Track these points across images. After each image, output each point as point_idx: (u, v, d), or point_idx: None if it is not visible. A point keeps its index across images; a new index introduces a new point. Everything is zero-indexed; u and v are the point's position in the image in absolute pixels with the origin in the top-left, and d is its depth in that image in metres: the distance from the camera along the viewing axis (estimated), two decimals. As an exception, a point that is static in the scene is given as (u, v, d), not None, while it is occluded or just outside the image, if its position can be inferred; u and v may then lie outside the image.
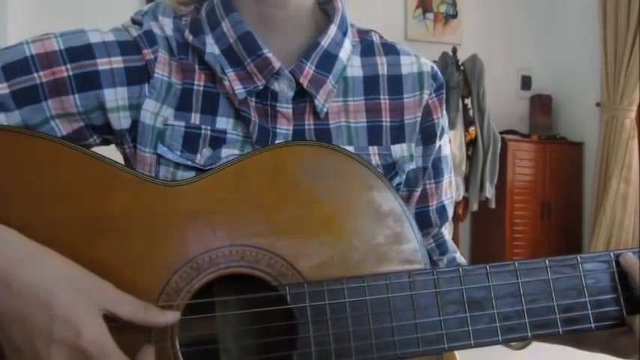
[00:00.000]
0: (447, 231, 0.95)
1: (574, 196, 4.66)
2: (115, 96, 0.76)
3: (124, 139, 0.79)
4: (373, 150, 0.83)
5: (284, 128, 0.79)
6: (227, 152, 0.77)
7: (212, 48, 0.79)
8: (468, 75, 4.16)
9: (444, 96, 0.89)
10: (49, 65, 0.74)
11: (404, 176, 0.85)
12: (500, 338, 0.70)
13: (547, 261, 0.72)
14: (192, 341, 0.68)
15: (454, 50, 4.20)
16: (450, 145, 0.94)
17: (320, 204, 0.70)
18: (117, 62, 0.76)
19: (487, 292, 0.70)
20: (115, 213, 0.67)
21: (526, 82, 4.97)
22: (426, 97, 0.87)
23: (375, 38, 0.89)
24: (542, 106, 4.83)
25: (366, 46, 0.87)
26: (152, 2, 0.83)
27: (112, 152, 0.77)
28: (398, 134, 0.85)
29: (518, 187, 4.40)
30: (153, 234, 0.67)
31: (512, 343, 0.77)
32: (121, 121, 0.77)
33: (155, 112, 0.77)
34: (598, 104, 4.55)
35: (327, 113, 0.81)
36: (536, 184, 4.46)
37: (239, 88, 0.78)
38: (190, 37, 0.79)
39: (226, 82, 0.78)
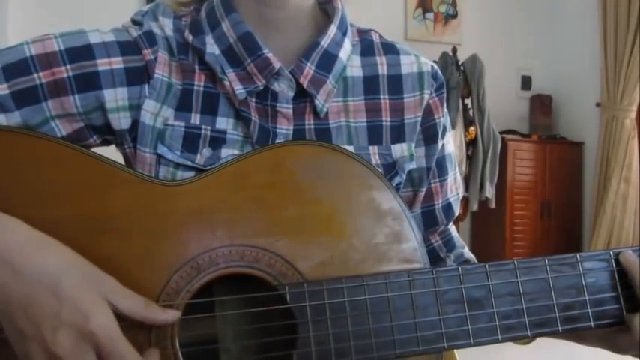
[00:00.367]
0: (453, 227, 0.95)
1: (574, 196, 4.66)
2: (115, 96, 0.76)
3: (124, 139, 0.79)
4: (373, 150, 0.83)
5: (284, 128, 0.79)
6: (227, 152, 0.77)
7: (212, 48, 0.79)
8: (468, 75, 4.16)
9: (445, 95, 0.89)
10: (49, 66, 0.74)
11: (404, 176, 0.85)
12: (499, 337, 0.70)
13: (546, 260, 0.72)
14: (192, 341, 0.68)
15: (454, 50, 4.20)
16: (452, 145, 0.94)
17: (320, 203, 0.70)
18: (117, 63, 0.77)
19: (487, 291, 0.70)
20: (115, 213, 0.67)
21: (526, 82, 4.97)
22: (426, 96, 0.87)
23: (375, 38, 0.89)
24: (542, 106, 4.83)
25: (366, 46, 0.87)
26: (152, 2, 0.83)
27: (112, 152, 0.77)
28: (398, 134, 0.85)
29: (518, 187, 4.40)
30: (153, 234, 0.67)
31: None
32: (121, 121, 0.77)
33: (155, 112, 0.77)
34: (598, 104, 4.54)
35: (327, 113, 0.81)
36: (536, 184, 4.46)
37: (239, 89, 0.78)
38: (190, 38, 0.79)
39: (226, 83, 0.78)
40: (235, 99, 0.78)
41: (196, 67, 0.80)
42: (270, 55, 0.78)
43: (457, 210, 0.93)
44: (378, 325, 0.67)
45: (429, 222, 0.91)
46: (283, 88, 0.79)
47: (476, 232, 4.64)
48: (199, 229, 0.68)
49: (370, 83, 0.85)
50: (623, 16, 4.31)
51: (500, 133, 4.32)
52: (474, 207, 4.09)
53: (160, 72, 0.78)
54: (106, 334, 0.59)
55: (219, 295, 0.69)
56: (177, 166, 0.76)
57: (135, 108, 0.77)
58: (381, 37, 0.90)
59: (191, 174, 0.75)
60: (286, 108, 0.79)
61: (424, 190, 0.89)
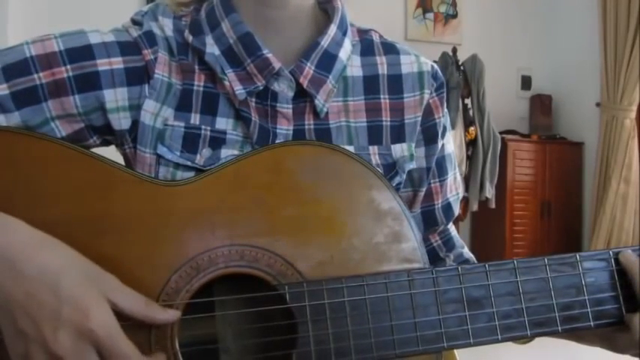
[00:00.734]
0: (453, 227, 0.95)
1: (574, 196, 4.66)
2: (115, 96, 0.76)
3: (124, 139, 0.79)
4: (373, 150, 0.83)
5: (284, 128, 0.79)
6: (227, 153, 0.77)
7: (212, 48, 0.79)
8: (468, 75, 4.16)
9: (445, 95, 0.89)
10: (49, 66, 0.74)
11: (404, 176, 0.85)
12: (499, 337, 0.70)
13: (546, 259, 0.72)
14: (192, 341, 0.68)
15: (454, 50, 4.20)
16: (452, 145, 0.94)
17: (319, 203, 0.70)
18: (117, 63, 0.77)
19: (486, 291, 0.70)
20: (115, 213, 0.67)
21: (526, 82, 4.97)
22: (426, 96, 0.87)
23: (375, 38, 0.89)
24: (542, 106, 4.83)
25: (366, 46, 0.87)
26: (152, 3, 0.83)
27: (111, 153, 0.77)
28: (398, 134, 0.85)
29: (518, 187, 4.40)
30: (153, 234, 0.67)
31: None
32: (121, 121, 0.77)
33: (155, 112, 0.77)
34: (598, 104, 4.54)
35: (327, 113, 0.81)
36: (536, 184, 4.46)
37: (239, 89, 0.78)
38: (190, 38, 0.79)
39: (226, 83, 0.78)
40: (235, 99, 0.78)
41: (196, 67, 0.80)
42: (270, 55, 0.78)
43: (457, 210, 0.93)
44: (378, 324, 0.67)
45: (428, 222, 0.91)
46: (283, 89, 0.79)
47: (476, 232, 4.64)
48: (199, 229, 0.68)
49: (370, 83, 0.85)
50: (623, 16, 4.31)
51: (500, 133, 4.32)
52: (474, 207, 4.09)
53: (160, 72, 0.78)
54: (107, 332, 0.59)
55: (218, 295, 0.69)
56: (177, 166, 0.76)
57: (135, 108, 0.77)
58: (381, 36, 0.89)
59: (191, 174, 0.75)
60: (286, 108, 0.79)
61: (424, 189, 0.89)
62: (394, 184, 0.84)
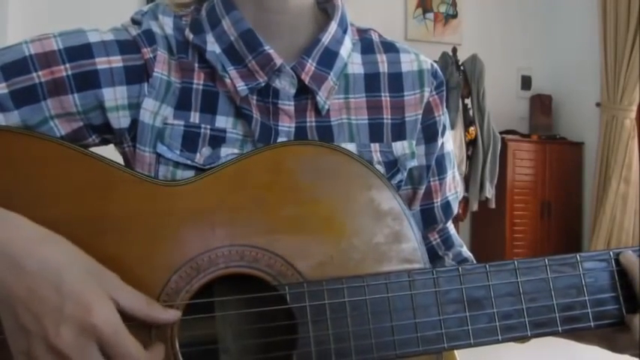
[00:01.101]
0: (452, 226, 0.96)
1: (574, 196, 4.66)
2: (114, 95, 0.76)
3: (123, 138, 0.79)
4: (375, 147, 0.83)
5: (286, 125, 0.79)
6: (226, 151, 0.77)
7: (213, 46, 0.79)
8: (468, 75, 4.16)
9: (445, 93, 0.90)
10: (48, 65, 0.74)
11: (405, 173, 0.86)
12: (499, 337, 0.70)
13: (546, 260, 0.72)
14: (192, 341, 0.68)
15: (454, 50, 4.20)
16: (452, 143, 0.95)
17: (320, 203, 0.70)
18: (116, 61, 0.76)
19: (487, 292, 0.70)
20: (115, 213, 0.67)
21: (526, 82, 4.97)
22: (426, 94, 0.87)
23: (375, 37, 0.89)
24: (542, 106, 4.83)
25: (366, 44, 0.87)
26: (152, 2, 0.83)
27: (111, 152, 0.77)
28: (399, 132, 0.85)
29: (518, 187, 4.40)
30: (152, 234, 0.67)
31: None
32: (120, 120, 0.77)
33: (154, 111, 0.77)
34: (598, 104, 4.54)
35: (328, 110, 0.81)
36: (536, 184, 4.46)
37: (241, 85, 0.77)
38: (191, 36, 0.79)
39: (227, 80, 0.78)
40: (237, 96, 0.78)
41: (196, 65, 0.79)
42: (271, 51, 0.78)
43: (456, 208, 0.94)
44: (378, 325, 0.67)
45: (427, 220, 0.91)
46: (285, 85, 0.79)
47: (476, 232, 4.64)
48: (199, 229, 0.67)
49: (371, 81, 0.85)
50: (623, 16, 4.31)
51: (500, 133, 4.32)
52: (474, 207, 4.09)
53: (159, 71, 0.78)
54: (109, 328, 0.59)
55: (219, 295, 0.69)
56: (176, 165, 0.76)
57: (134, 107, 0.77)
58: (380, 35, 0.90)
59: (191, 173, 0.75)
60: (288, 105, 0.79)
61: (423, 187, 0.89)
62: (395, 182, 0.84)
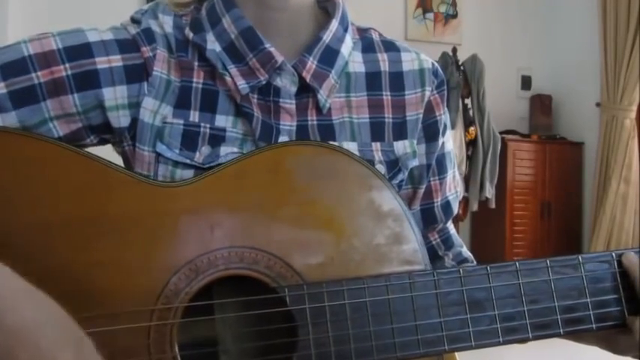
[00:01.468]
0: (452, 226, 0.95)
1: (574, 196, 4.66)
2: (114, 94, 0.76)
3: (123, 137, 0.78)
4: (376, 146, 0.83)
5: (287, 124, 0.79)
6: (226, 150, 0.77)
7: (213, 45, 0.79)
8: (468, 75, 4.16)
9: (446, 93, 0.89)
10: (47, 65, 0.74)
11: (407, 173, 0.85)
12: (501, 339, 0.69)
13: (548, 261, 0.72)
14: (192, 343, 0.68)
15: (454, 50, 4.20)
16: (452, 143, 0.95)
17: (320, 204, 0.70)
18: (116, 61, 0.76)
19: (488, 293, 0.70)
20: (114, 214, 0.66)
21: (526, 82, 4.97)
22: (427, 94, 0.87)
23: (375, 36, 0.89)
24: (542, 106, 4.83)
25: (367, 43, 0.87)
26: (152, 2, 0.83)
27: (110, 153, 0.76)
28: (400, 131, 0.85)
29: (518, 187, 4.40)
30: (152, 235, 0.66)
31: None
32: (120, 119, 0.77)
33: (154, 110, 0.77)
34: (598, 104, 4.55)
35: (329, 109, 0.81)
36: (536, 184, 4.47)
37: (242, 84, 0.77)
38: (191, 35, 0.79)
39: (228, 79, 0.77)
40: (237, 95, 0.77)
41: (195, 64, 0.79)
42: (272, 49, 0.78)
43: (456, 208, 0.93)
44: (379, 327, 0.67)
45: (427, 220, 0.91)
46: (286, 84, 0.79)
47: (476, 232, 4.64)
48: (198, 230, 0.67)
49: (372, 79, 0.85)
50: (623, 16, 4.31)
51: (500, 133, 4.32)
52: (474, 207, 4.09)
53: (159, 69, 0.77)
54: None
55: (218, 297, 0.69)
56: (176, 164, 0.76)
57: (134, 106, 0.77)
58: (380, 35, 0.90)
59: (190, 172, 0.75)
60: (289, 104, 0.79)
61: (423, 187, 0.89)
62: (397, 182, 0.84)
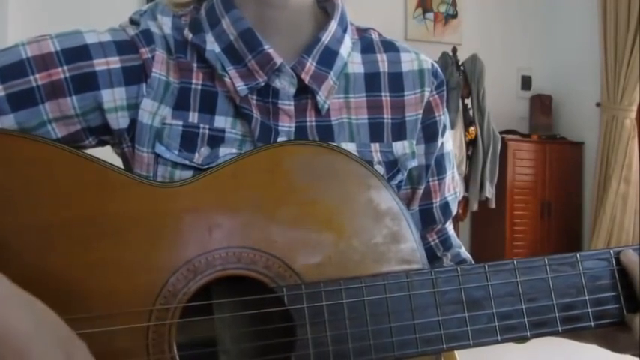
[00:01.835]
0: (451, 226, 0.95)
1: (574, 196, 4.66)
2: (112, 96, 0.76)
3: (122, 138, 0.78)
4: (375, 147, 0.83)
5: (286, 125, 0.79)
6: (225, 151, 0.76)
7: (212, 46, 0.79)
8: (468, 75, 4.16)
9: (445, 93, 0.89)
10: (46, 67, 0.74)
11: (406, 173, 0.85)
12: (499, 337, 0.69)
13: (546, 259, 0.72)
14: (190, 343, 0.68)
15: (454, 50, 4.20)
16: (451, 144, 0.94)
17: (318, 204, 0.70)
18: (114, 62, 0.76)
19: (486, 292, 0.70)
20: (112, 215, 0.66)
21: (526, 82, 4.97)
22: (427, 94, 0.86)
23: (374, 36, 0.89)
24: (542, 106, 4.83)
25: (366, 44, 0.87)
26: (152, 2, 0.83)
27: (108, 154, 0.76)
28: (399, 131, 0.85)
29: (518, 187, 4.40)
30: (150, 236, 0.66)
31: None
32: (119, 121, 0.77)
33: (153, 111, 0.77)
34: (598, 104, 4.55)
35: (328, 110, 0.81)
36: (536, 184, 4.47)
37: (240, 85, 0.77)
38: (190, 36, 0.79)
39: (227, 80, 0.77)
40: (236, 96, 0.78)
41: (194, 65, 0.79)
42: (271, 50, 0.77)
43: (455, 209, 0.93)
44: (377, 326, 0.67)
45: (426, 220, 0.91)
46: (284, 85, 0.79)
47: (476, 232, 4.64)
48: (196, 230, 0.67)
49: (371, 80, 0.85)
50: (623, 16, 4.31)
51: (500, 133, 4.32)
52: (474, 207, 4.09)
53: (158, 71, 0.77)
54: None
55: (217, 297, 0.69)
56: (175, 165, 0.76)
57: (133, 107, 0.77)
58: (380, 35, 0.89)
59: (189, 173, 0.75)
60: (288, 105, 0.79)
61: (422, 187, 0.89)
62: (396, 182, 0.84)
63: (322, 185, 0.70)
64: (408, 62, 0.87)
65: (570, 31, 4.88)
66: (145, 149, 0.76)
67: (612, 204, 4.32)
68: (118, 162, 0.76)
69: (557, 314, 0.71)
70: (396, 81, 0.86)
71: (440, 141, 0.89)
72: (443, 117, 0.89)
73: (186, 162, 0.76)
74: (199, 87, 0.79)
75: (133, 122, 0.77)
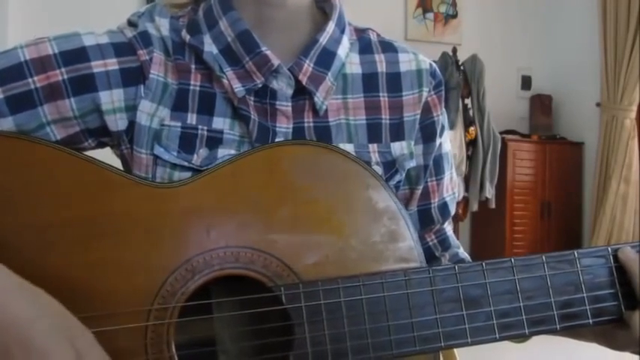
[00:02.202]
0: (449, 227, 0.95)
1: (574, 196, 4.66)
2: (110, 98, 0.76)
3: (120, 140, 0.78)
4: (373, 148, 0.83)
5: (284, 126, 0.79)
6: (224, 152, 0.77)
7: (210, 47, 0.79)
8: (468, 75, 4.16)
9: (443, 93, 0.89)
10: (44, 70, 0.74)
11: (404, 174, 0.85)
12: (497, 336, 0.69)
13: (544, 257, 0.72)
14: (189, 343, 0.68)
15: (454, 50, 4.20)
16: (450, 144, 0.94)
17: (315, 203, 0.70)
18: (112, 64, 0.76)
19: (484, 290, 0.70)
20: (111, 215, 0.67)
21: (526, 82, 4.97)
22: (425, 94, 0.86)
23: (373, 36, 0.89)
24: (542, 106, 4.83)
25: (364, 44, 0.87)
26: (150, 3, 0.83)
27: (107, 155, 0.76)
28: (397, 132, 0.85)
29: (518, 187, 4.40)
30: (148, 236, 0.67)
31: None
32: (117, 122, 0.77)
33: (151, 113, 0.77)
34: (598, 104, 4.54)
35: (326, 111, 0.81)
36: (536, 184, 4.47)
37: (238, 87, 0.77)
38: (188, 37, 0.79)
39: (225, 81, 0.78)
40: (234, 97, 0.78)
41: (192, 66, 0.79)
42: (268, 52, 0.78)
43: (453, 209, 0.93)
44: (375, 325, 0.67)
45: (424, 220, 0.90)
46: (282, 86, 0.79)
47: (476, 232, 4.64)
48: (194, 230, 0.67)
49: (369, 81, 0.85)
50: (623, 16, 4.31)
51: (500, 133, 4.32)
52: (474, 207, 4.09)
53: (156, 72, 0.77)
54: None
55: (216, 297, 0.69)
56: (174, 166, 0.76)
57: (131, 109, 0.77)
58: (378, 35, 0.89)
59: (188, 174, 0.75)
60: (285, 106, 0.79)
61: (421, 187, 0.89)
62: (394, 183, 0.84)
63: (320, 185, 0.70)
64: (406, 62, 0.87)
65: (570, 31, 4.88)
66: (144, 150, 0.77)
67: (612, 204, 4.31)
68: (117, 163, 0.76)
69: (555, 312, 0.71)
70: (394, 81, 0.86)
71: (438, 141, 0.89)
72: (441, 117, 0.89)
73: (185, 163, 0.76)
74: (198, 88, 0.79)
75: (132, 124, 0.77)
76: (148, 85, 0.77)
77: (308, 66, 0.80)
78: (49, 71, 0.74)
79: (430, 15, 4.72)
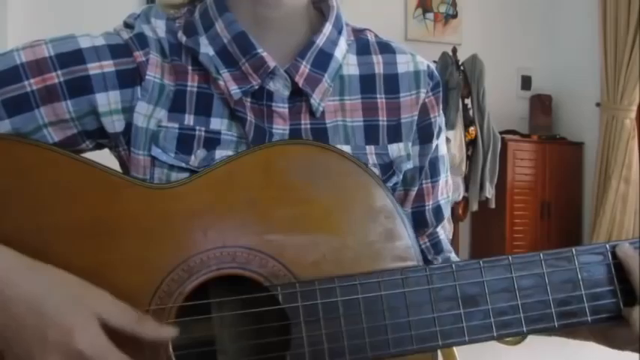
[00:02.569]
0: (442, 230, 0.95)
1: (574, 196, 4.65)
2: (107, 100, 0.76)
3: (118, 141, 0.78)
4: (370, 149, 0.82)
5: (280, 128, 0.79)
6: (221, 153, 0.76)
7: (206, 49, 0.79)
8: (468, 75, 4.15)
9: (441, 94, 0.89)
10: (40, 72, 0.74)
11: (401, 176, 0.85)
12: (495, 334, 0.69)
13: (541, 254, 0.72)
14: (186, 343, 0.68)
15: (454, 50, 4.19)
16: (449, 144, 0.94)
17: (311, 203, 0.70)
18: (108, 66, 0.76)
19: (481, 288, 0.70)
20: (107, 217, 0.67)
21: (526, 82, 4.96)
22: (422, 95, 0.86)
23: (371, 37, 0.88)
24: (542, 106, 4.82)
25: (362, 45, 0.87)
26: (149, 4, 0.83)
27: (106, 157, 0.76)
28: (395, 133, 0.84)
29: (518, 187, 4.40)
30: (145, 237, 0.67)
31: (508, 339, 0.77)
32: (114, 124, 0.77)
33: (148, 114, 0.77)
34: (598, 104, 4.54)
35: (323, 112, 0.81)
36: (536, 184, 4.46)
37: (234, 89, 0.77)
38: (184, 39, 0.79)
39: (221, 83, 0.77)
40: (231, 99, 0.78)
41: (189, 67, 0.79)
42: (264, 54, 0.77)
43: (447, 213, 0.93)
44: (372, 324, 0.67)
45: (418, 223, 0.90)
46: (279, 88, 0.79)
47: (476, 232, 4.64)
48: (191, 231, 0.67)
49: (367, 82, 0.84)
50: (623, 16, 4.31)
51: (500, 133, 4.31)
52: (474, 207, 4.08)
53: (152, 74, 0.77)
54: (94, 351, 0.59)
55: (214, 297, 0.69)
56: (171, 167, 0.76)
57: (128, 110, 0.77)
58: (376, 36, 0.89)
59: (185, 175, 0.74)
60: (282, 107, 0.79)
61: (415, 189, 0.88)
62: (391, 184, 0.84)
63: (316, 184, 0.70)
64: (403, 64, 0.87)
65: (570, 31, 4.87)
66: (141, 152, 0.76)
67: (612, 204, 4.31)
68: (115, 165, 0.76)
69: (553, 310, 0.71)
70: (392, 83, 0.85)
71: (435, 143, 0.88)
72: (438, 119, 0.88)
73: (183, 164, 0.76)
74: (195, 89, 0.79)
75: (129, 125, 0.77)
76: (145, 87, 0.77)
77: (304, 67, 0.79)
78: (45, 74, 0.74)
79: (430, 15, 4.72)
